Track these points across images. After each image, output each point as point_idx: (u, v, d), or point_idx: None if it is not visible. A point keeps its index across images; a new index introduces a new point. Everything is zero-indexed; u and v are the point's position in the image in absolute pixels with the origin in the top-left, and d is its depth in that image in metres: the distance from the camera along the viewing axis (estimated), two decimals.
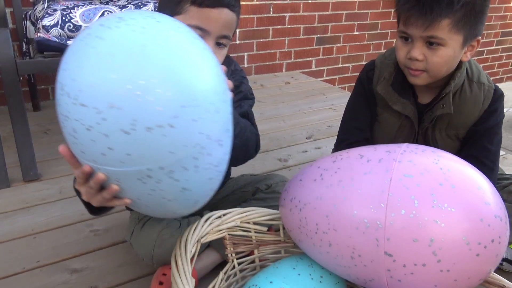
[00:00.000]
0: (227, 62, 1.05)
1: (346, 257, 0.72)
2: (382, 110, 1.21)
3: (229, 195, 1.24)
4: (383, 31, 3.53)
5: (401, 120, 1.19)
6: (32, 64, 1.52)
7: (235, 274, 0.93)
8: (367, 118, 1.22)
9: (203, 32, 0.87)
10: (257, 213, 0.96)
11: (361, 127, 1.23)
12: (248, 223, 0.96)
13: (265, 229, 0.97)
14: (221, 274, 0.89)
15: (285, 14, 3.02)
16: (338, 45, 3.37)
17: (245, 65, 3.01)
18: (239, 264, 0.94)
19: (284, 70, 3.19)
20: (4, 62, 1.46)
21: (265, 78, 3.03)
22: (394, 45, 1.13)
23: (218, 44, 0.91)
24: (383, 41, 3.58)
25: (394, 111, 1.18)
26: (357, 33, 3.40)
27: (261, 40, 3.02)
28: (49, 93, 2.44)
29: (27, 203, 1.47)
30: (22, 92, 1.51)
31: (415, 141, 1.21)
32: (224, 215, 0.93)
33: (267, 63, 3.11)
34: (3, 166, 1.54)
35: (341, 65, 3.45)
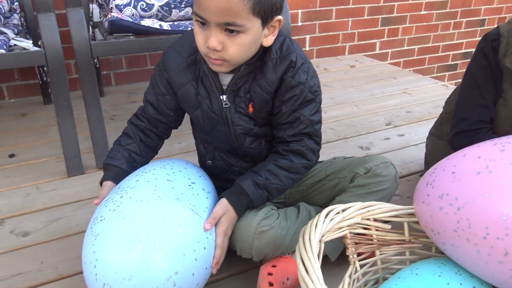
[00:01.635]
0: (264, 54, 0.91)
1: None
2: (509, 86, 1.04)
3: (323, 180, 1.10)
4: (453, 10, 3.26)
5: None
6: (106, 45, 1.45)
7: (358, 279, 0.81)
8: (491, 95, 1.06)
9: (203, 20, 0.82)
10: (380, 209, 0.83)
11: (486, 104, 1.06)
12: (369, 219, 0.83)
13: (389, 227, 0.84)
14: (347, 278, 0.77)
15: None
16: (404, 25, 3.14)
17: (307, 48, 2.86)
18: (360, 267, 0.82)
19: (347, 53, 3.02)
20: (79, 43, 1.39)
21: (327, 62, 2.87)
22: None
23: (230, 31, 0.81)
24: (452, 21, 3.32)
25: None
26: (424, 12, 3.16)
27: (324, 21, 2.85)
28: (111, 79, 2.40)
29: None
30: (95, 76, 1.45)
31: None
32: (343, 210, 0.81)
33: (329, 46, 2.94)
34: (77, 153, 1.49)
35: (406, 48, 3.23)
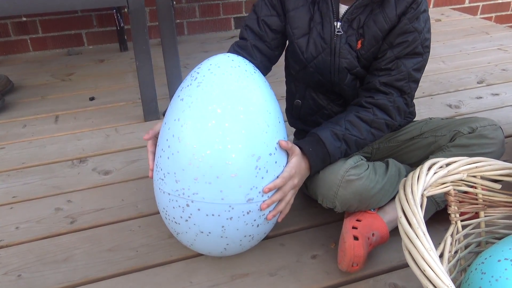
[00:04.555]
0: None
1: None
2: None
3: (416, 137, 1.02)
4: None
5: None
6: None
7: (459, 241, 0.73)
8: None
9: None
10: (489, 166, 0.73)
11: None
12: (475, 177, 0.74)
13: (498, 186, 0.74)
14: (449, 238, 0.70)
15: None
16: None
17: None
18: (462, 228, 0.74)
19: (431, 6, 2.76)
20: None
21: None
22: None
23: None
24: None
25: None
26: None
27: None
28: (184, 28, 2.38)
29: None
30: (174, 19, 1.42)
31: None
32: (447, 164, 0.72)
33: None
34: (154, 98, 1.49)
35: (500, 1, 2.89)
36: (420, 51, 0.88)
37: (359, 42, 0.89)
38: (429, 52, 0.91)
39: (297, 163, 0.84)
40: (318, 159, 0.87)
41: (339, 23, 0.89)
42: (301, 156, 0.85)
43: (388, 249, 0.92)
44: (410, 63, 0.88)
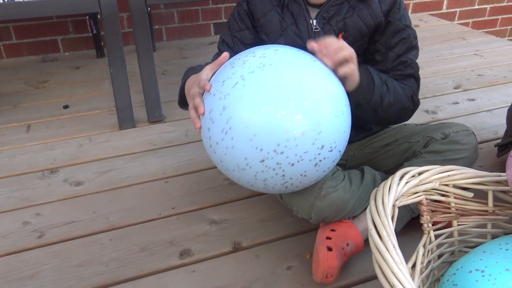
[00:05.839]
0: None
1: None
2: None
3: (391, 143, 1.02)
4: None
5: None
6: None
7: (432, 251, 0.72)
8: None
9: None
10: (462, 174, 0.73)
11: None
12: (448, 185, 0.73)
13: (471, 195, 0.74)
14: (421, 249, 0.69)
15: None
16: None
17: None
18: (435, 237, 0.73)
19: (410, 11, 2.79)
20: None
21: None
22: None
23: None
24: None
25: None
26: None
27: None
28: (163, 34, 2.35)
29: (154, 145, 1.38)
30: (149, 25, 1.39)
31: None
32: (419, 173, 0.71)
33: None
34: (129, 105, 1.46)
35: (477, 7, 2.94)
36: (415, 44, 0.93)
37: (340, 35, 0.90)
38: (418, 43, 0.95)
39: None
40: (363, 72, 0.83)
41: (314, 21, 0.90)
42: None
43: (363, 259, 0.90)
44: (412, 56, 0.93)
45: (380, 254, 0.56)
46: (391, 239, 0.57)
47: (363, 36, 0.90)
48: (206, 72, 0.80)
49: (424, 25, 2.57)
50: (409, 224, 0.94)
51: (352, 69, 0.78)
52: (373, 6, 0.88)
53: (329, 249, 0.83)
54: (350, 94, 0.81)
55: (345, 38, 0.88)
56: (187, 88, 0.86)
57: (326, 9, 0.89)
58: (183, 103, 0.91)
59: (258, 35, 0.97)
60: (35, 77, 1.94)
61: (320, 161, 0.74)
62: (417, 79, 0.95)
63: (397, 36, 0.90)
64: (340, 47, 0.76)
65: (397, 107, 0.91)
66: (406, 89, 0.92)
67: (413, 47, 0.93)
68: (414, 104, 0.95)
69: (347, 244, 0.86)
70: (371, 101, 0.85)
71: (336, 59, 0.76)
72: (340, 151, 0.78)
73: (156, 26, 2.31)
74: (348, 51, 0.77)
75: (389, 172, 0.99)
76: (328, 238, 0.85)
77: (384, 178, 0.91)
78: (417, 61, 0.95)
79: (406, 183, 0.68)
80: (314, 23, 0.90)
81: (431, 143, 0.95)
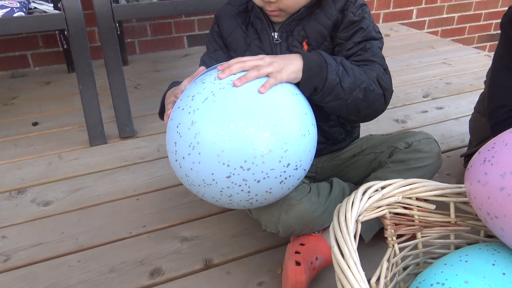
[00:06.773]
0: None
1: None
2: None
3: (358, 154, 1.03)
4: None
5: None
6: (128, 8, 1.37)
7: (396, 264, 0.74)
8: None
9: None
10: (424, 187, 0.74)
11: None
12: (411, 198, 0.75)
13: (433, 207, 0.75)
14: (385, 262, 0.69)
15: None
16: None
17: None
18: (400, 250, 0.74)
19: (381, 21, 2.85)
20: (100, 6, 1.32)
21: None
22: None
23: None
24: None
25: None
26: None
27: None
28: (135, 47, 2.33)
29: (125, 161, 1.36)
30: (117, 41, 1.38)
31: None
32: (382, 187, 0.72)
33: None
34: (99, 121, 1.44)
35: (445, 16, 3.02)
36: (375, 36, 0.90)
37: (304, 42, 0.91)
38: (382, 38, 0.92)
39: (283, 57, 0.80)
40: (314, 61, 0.80)
41: (276, 33, 0.92)
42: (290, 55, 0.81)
43: (333, 272, 0.91)
44: (371, 44, 0.88)
45: (342, 271, 0.56)
46: (353, 256, 0.58)
47: (325, 37, 0.91)
48: (184, 84, 0.83)
49: (394, 34, 2.63)
50: (380, 234, 0.95)
51: (263, 70, 0.76)
52: (327, 7, 0.89)
53: (298, 263, 0.83)
54: (303, 81, 0.79)
55: (308, 44, 0.91)
56: (166, 99, 0.88)
57: (288, 23, 0.91)
58: (163, 114, 0.91)
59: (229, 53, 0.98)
60: (4, 93, 1.90)
61: (286, 178, 0.75)
62: (382, 66, 0.90)
63: (353, 26, 0.88)
64: (239, 61, 0.77)
65: (361, 91, 0.84)
66: (367, 71, 0.87)
67: (373, 38, 0.89)
68: (382, 88, 0.88)
69: (316, 258, 0.86)
70: (326, 79, 0.80)
71: (234, 71, 0.76)
72: (305, 169, 0.79)
73: (129, 39, 2.30)
74: (251, 62, 0.77)
75: (358, 183, 1.00)
76: (297, 252, 0.86)
77: (353, 189, 0.91)
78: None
79: (369, 198, 0.69)
80: (276, 36, 0.92)
81: (395, 152, 0.97)
